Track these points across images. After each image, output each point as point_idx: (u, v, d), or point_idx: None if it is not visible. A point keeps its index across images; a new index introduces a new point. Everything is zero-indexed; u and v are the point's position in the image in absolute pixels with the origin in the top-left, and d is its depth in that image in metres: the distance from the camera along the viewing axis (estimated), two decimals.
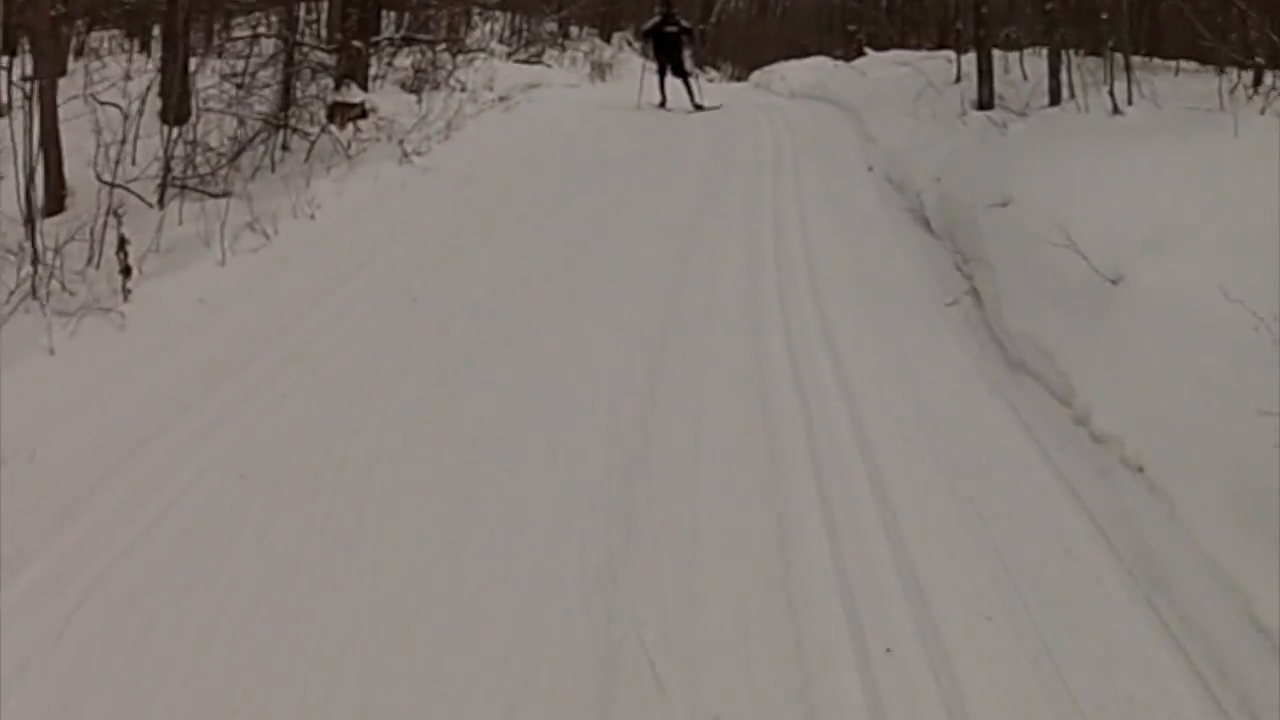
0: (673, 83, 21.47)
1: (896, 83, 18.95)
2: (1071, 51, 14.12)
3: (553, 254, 10.39)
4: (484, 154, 15.11)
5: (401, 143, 14.23)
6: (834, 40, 46.49)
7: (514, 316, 8.69)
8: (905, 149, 14.04)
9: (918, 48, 26.61)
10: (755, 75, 41.61)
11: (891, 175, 13.38)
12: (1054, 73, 13.99)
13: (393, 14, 21.69)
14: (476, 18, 27.23)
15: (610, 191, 13.18)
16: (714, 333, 8.38)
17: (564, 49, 32.13)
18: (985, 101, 15.40)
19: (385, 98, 16.40)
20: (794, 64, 34.23)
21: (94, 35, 21.94)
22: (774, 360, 7.84)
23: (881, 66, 22.46)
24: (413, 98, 16.78)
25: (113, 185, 11.53)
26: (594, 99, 24.08)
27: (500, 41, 27.50)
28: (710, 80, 34.76)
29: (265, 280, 9.54)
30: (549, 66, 26.69)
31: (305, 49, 15.99)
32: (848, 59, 27.59)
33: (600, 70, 31.55)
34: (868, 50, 27.53)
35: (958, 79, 17.46)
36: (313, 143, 13.89)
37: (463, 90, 18.19)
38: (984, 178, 10.30)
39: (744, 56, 55.63)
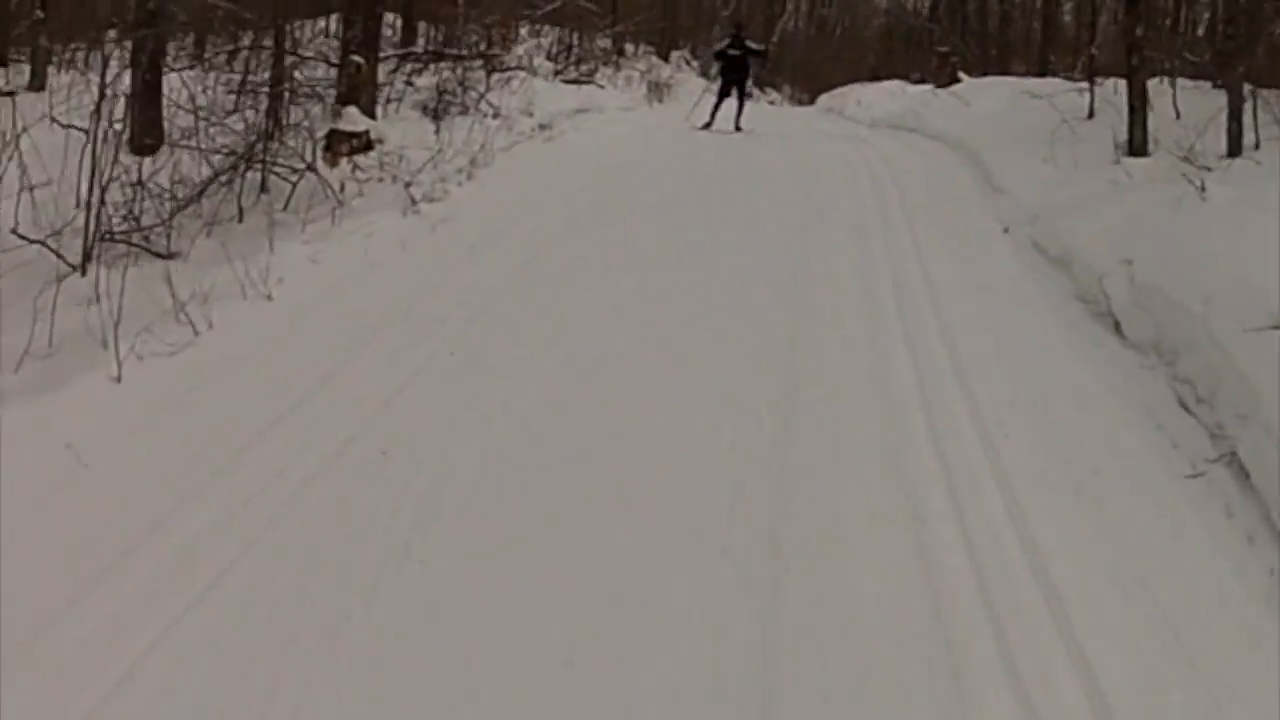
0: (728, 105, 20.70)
1: (1014, 116, 15.93)
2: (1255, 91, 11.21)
3: (593, 370, 7.27)
4: (513, 201, 12.01)
5: (409, 185, 11.20)
6: (909, 63, 43.80)
7: (523, 501, 5.56)
8: (1050, 206, 11.01)
9: (1024, 74, 23.52)
10: (823, 99, 38.82)
11: (1040, 242, 10.34)
12: (1235, 115, 11.03)
13: (429, 25, 19.02)
14: (523, 32, 24.36)
15: (675, 257, 10.08)
16: (842, 526, 5.32)
17: (618, 68, 29.17)
18: (1138, 146, 12.36)
19: (398, 125, 13.40)
20: (871, 88, 31.35)
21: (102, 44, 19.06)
22: (950, 575, 4.84)
23: (988, 95, 19.29)
24: (433, 126, 13.74)
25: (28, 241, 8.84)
26: (651, 125, 21.14)
27: (549, 58, 24.50)
28: (771, 103, 31.58)
29: (171, 411, 6.46)
30: (601, 87, 23.67)
31: (299, 65, 13.06)
32: (938, 85, 24.45)
33: (658, 91, 28.69)
34: (962, 75, 24.43)
35: (1091, 114, 14.43)
36: (294, 185, 10.88)
37: (495, 116, 15.13)
38: (1212, 271, 7.24)
39: (803, 79, 53.04)
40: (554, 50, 25.96)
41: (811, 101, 47.82)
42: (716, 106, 20.68)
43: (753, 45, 21.34)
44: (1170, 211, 8.89)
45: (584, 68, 25.70)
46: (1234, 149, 10.91)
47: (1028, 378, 7.36)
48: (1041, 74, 23.73)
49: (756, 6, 50.66)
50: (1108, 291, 8.32)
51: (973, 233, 11.37)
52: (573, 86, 21.36)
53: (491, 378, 7.04)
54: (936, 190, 13.76)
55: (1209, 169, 10.06)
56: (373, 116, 13.02)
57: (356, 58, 12.63)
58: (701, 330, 8.07)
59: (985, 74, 26.42)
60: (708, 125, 20.41)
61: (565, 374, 7.17)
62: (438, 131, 13.09)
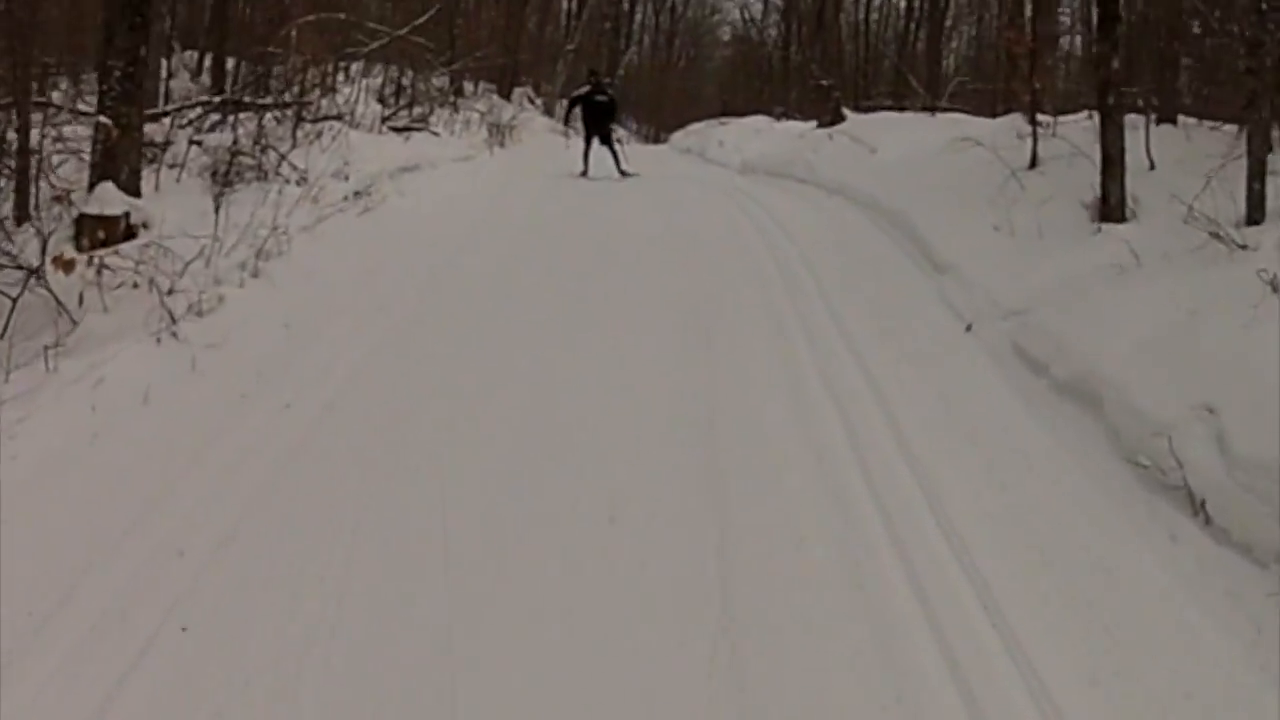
0: (598, 151, 20.23)
1: (935, 165, 13.27)
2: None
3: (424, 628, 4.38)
4: (310, 307, 8.93)
5: (169, 293, 8.22)
6: (770, 96, 41.83)
7: None
8: (1030, 296, 8.45)
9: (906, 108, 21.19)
10: (678, 137, 36.33)
11: (1031, 353, 7.69)
12: (1258, 171, 8.53)
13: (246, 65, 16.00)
14: (353, 69, 21.32)
15: (533, 398, 7.20)
16: None
17: (456, 109, 26.21)
18: (1115, 208, 9.86)
19: (175, 201, 10.32)
20: (733, 126, 28.83)
21: None
22: None
23: (893, 138, 16.53)
24: (220, 199, 10.62)
25: None
26: (492, 178, 18.22)
27: (379, 100, 21.41)
28: (618, 140, 28.51)
29: None
30: (435, 134, 20.66)
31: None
32: (821, 123, 21.86)
33: (500, 134, 25.84)
34: (846, 112, 21.87)
35: (1033, 163, 11.85)
36: (14, 300, 7.87)
37: (300, 182, 12.06)
38: None
39: (650, 114, 50.84)
40: (384, 92, 22.91)
41: (659, 139, 45.45)
42: (587, 153, 20.21)
43: (613, 93, 21.42)
44: (1244, 323, 6.23)
45: (417, 111, 22.73)
46: (1255, 214, 8.37)
47: (1096, 604, 4.76)
48: (932, 109, 21.37)
49: (601, 40, 48.19)
50: (1181, 457, 5.62)
51: (924, 332, 8.67)
52: (402, 136, 18.25)
53: (246, 685, 4.11)
54: (858, 267, 10.90)
55: (1244, 246, 7.52)
56: (137, 192, 9.97)
57: (105, 119, 9.57)
58: (570, 547, 5.22)
59: (858, 108, 23.97)
60: (584, 173, 19.86)
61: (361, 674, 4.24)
62: (218, 210, 9.97)
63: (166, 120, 12.53)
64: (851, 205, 14.14)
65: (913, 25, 40.86)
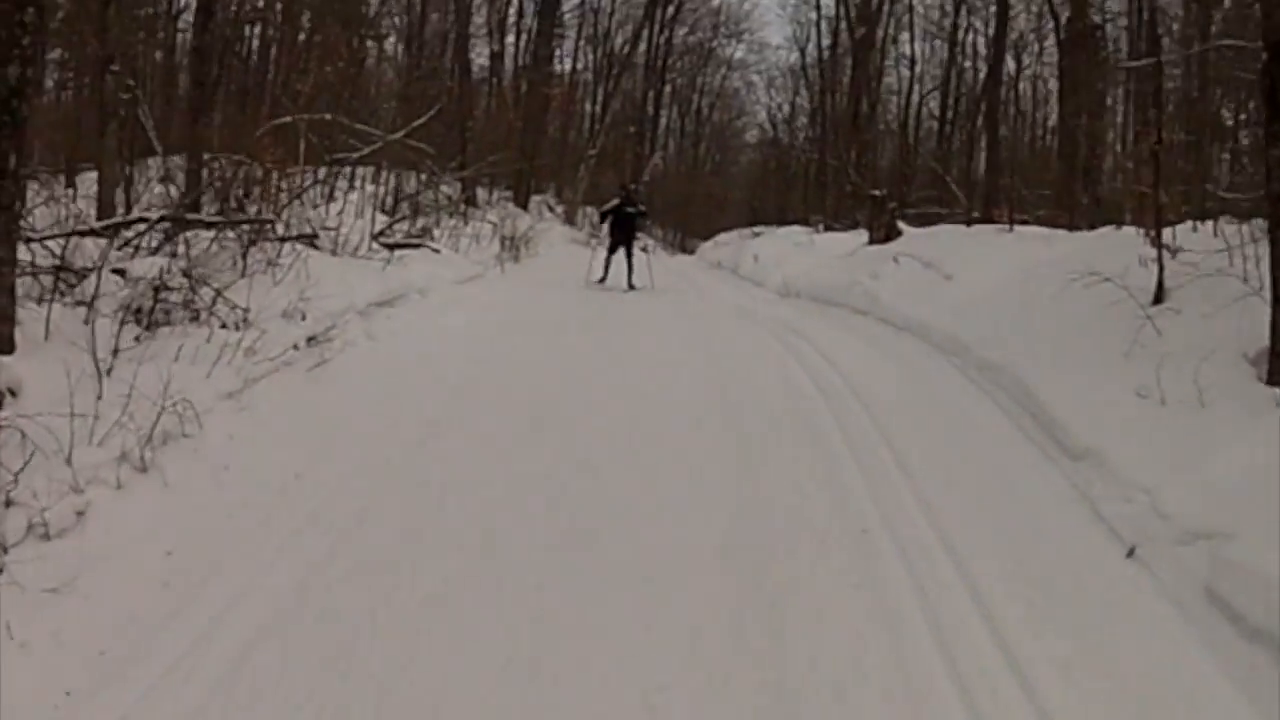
0: (621, 262, 21.10)
1: (1034, 298, 10.78)
2: None
3: None
4: (211, 523, 6.28)
5: (8, 505, 5.75)
6: (804, 201, 40.25)
7: None
8: (1205, 502, 6.17)
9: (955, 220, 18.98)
10: (706, 248, 34.66)
11: (1238, 603, 5.21)
12: None
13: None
14: (356, 179, 19.12)
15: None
16: None
17: (466, 220, 23.96)
18: None
19: (62, 355, 7.77)
20: (769, 239, 26.74)
21: None
22: None
23: (968, 258, 13.95)
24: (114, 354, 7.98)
25: None
26: (496, 306, 15.48)
27: (383, 211, 19.04)
28: (644, 249, 26.12)
29: None
30: (437, 250, 18.06)
31: None
32: (873, 238, 19.56)
33: (513, 249, 23.67)
34: (902, 226, 19.61)
35: (1159, 296, 9.42)
36: None
37: (239, 325, 9.45)
38: None
39: (676, 220, 49.11)
40: (386, 201, 20.59)
41: (685, 247, 43.67)
42: (608, 262, 21.22)
43: (642, 207, 22.39)
44: None
45: (419, 223, 20.40)
46: None
47: None
48: (986, 220, 19.12)
49: (625, 144, 46.23)
50: None
51: (1066, 560, 6.12)
52: (388, 256, 15.35)
53: None
54: (957, 448, 8.10)
55: None
56: (8, 346, 7.52)
57: None
58: None
59: (904, 217, 21.80)
60: (602, 280, 21.00)
61: None
62: (107, 372, 7.41)
63: (105, 239, 10.06)
64: (930, 350, 11.57)
65: (946, 127, 38.96)
